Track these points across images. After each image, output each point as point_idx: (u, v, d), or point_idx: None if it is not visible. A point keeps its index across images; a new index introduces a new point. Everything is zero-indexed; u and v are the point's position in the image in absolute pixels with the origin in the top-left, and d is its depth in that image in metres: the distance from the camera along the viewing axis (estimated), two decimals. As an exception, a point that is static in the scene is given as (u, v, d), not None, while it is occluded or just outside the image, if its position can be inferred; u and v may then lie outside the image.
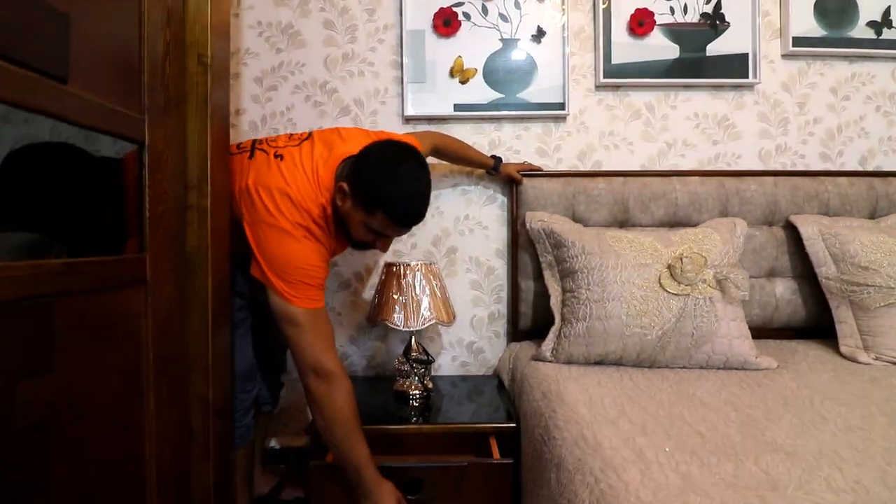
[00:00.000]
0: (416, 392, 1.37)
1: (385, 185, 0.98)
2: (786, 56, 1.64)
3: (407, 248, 1.63)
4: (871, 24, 1.62)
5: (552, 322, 1.37)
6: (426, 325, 1.31)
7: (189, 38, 0.80)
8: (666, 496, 0.64)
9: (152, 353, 0.73)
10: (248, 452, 1.21)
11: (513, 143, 1.64)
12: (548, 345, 1.32)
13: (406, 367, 1.38)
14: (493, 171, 1.55)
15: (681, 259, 1.26)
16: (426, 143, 1.38)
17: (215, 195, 0.84)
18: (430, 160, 1.48)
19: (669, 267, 1.27)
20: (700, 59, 1.62)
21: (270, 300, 0.99)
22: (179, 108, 0.79)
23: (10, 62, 0.48)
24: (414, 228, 1.60)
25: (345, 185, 1.00)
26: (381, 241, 1.09)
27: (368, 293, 1.63)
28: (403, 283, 1.33)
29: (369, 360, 1.65)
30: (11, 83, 0.48)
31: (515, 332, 1.60)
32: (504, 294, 1.65)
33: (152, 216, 0.74)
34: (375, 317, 1.34)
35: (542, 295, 1.53)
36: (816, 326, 1.55)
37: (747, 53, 1.61)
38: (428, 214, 1.60)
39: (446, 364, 1.66)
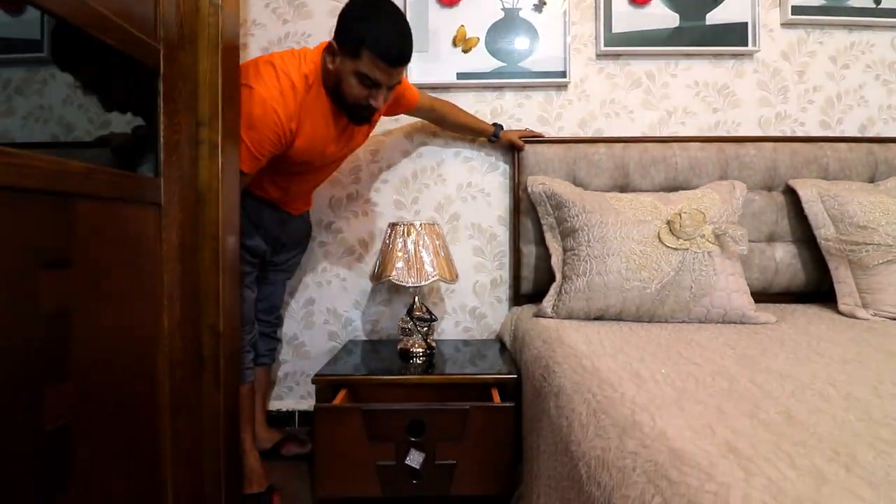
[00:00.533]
0: (420, 350, 1.39)
1: (366, 23, 1.04)
2: (785, 24, 1.66)
3: (410, 214, 1.66)
4: (870, -9, 1.64)
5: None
6: (429, 281, 1.33)
7: (201, -23, 0.83)
8: (661, 403, 0.66)
9: (166, 275, 0.76)
10: (249, 394, 1.26)
11: (514, 112, 1.66)
12: (549, 301, 1.34)
13: (409, 326, 1.41)
14: (494, 137, 1.57)
15: (680, 215, 1.28)
16: (425, 98, 1.43)
17: (226, 132, 0.87)
18: (431, 135, 1.55)
19: (668, 223, 1.29)
20: (700, 28, 1.64)
21: None
22: (192, 46, 0.82)
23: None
24: (417, 195, 1.65)
25: (332, 42, 1.08)
26: (374, 93, 1.10)
27: (372, 259, 1.65)
28: (407, 240, 1.36)
29: (373, 324, 1.68)
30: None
31: (517, 297, 1.62)
32: (506, 260, 1.68)
33: (166, 144, 0.77)
34: (380, 274, 1.37)
35: (544, 259, 1.55)
36: (816, 291, 1.57)
37: (747, 22, 1.63)
38: (431, 181, 1.65)
39: (449, 329, 1.69)
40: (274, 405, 1.65)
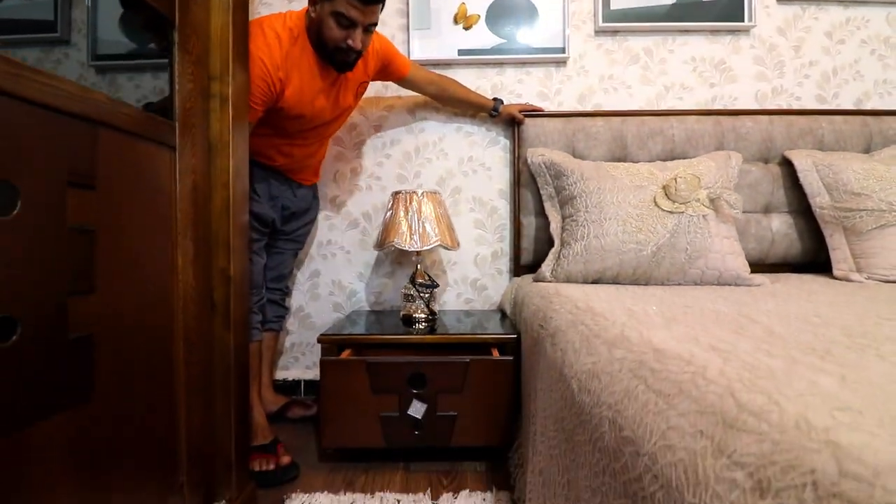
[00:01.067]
0: (422, 315, 1.43)
1: None
2: (781, 0, 1.69)
3: (413, 188, 1.70)
4: (865, -33, 1.66)
5: (553, 251, 1.43)
6: (431, 245, 1.37)
7: (212, -64, 0.87)
8: (649, 328, 0.69)
9: (180, 214, 0.80)
10: (256, 353, 1.31)
11: (515, 87, 1.70)
12: (547, 265, 1.38)
13: (412, 293, 1.44)
14: (495, 112, 1.61)
15: (675, 179, 1.31)
16: (422, 73, 1.50)
17: (236, 86, 0.91)
18: (434, 110, 1.59)
19: (664, 187, 1.32)
20: (697, 4, 1.67)
21: None
22: (204, 2, 0.87)
23: None
24: (419, 169, 1.69)
25: None
26: (352, 33, 1.17)
27: (375, 232, 1.69)
28: (410, 208, 1.39)
29: (377, 296, 1.72)
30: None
31: (517, 268, 1.66)
32: (506, 233, 1.71)
33: (181, 92, 0.81)
34: (383, 241, 1.41)
35: (543, 230, 1.59)
36: (812, 262, 1.59)
37: (743, -2, 1.66)
38: (433, 155, 1.69)
39: (451, 300, 1.72)
40: (280, 375, 1.69)
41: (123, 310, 0.67)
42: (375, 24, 1.22)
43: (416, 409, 1.14)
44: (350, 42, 1.17)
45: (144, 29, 0.88)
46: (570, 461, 0.63)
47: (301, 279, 1.71)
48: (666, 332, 0.63)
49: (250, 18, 1.66)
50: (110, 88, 0.98)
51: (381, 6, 1.19)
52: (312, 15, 1.18)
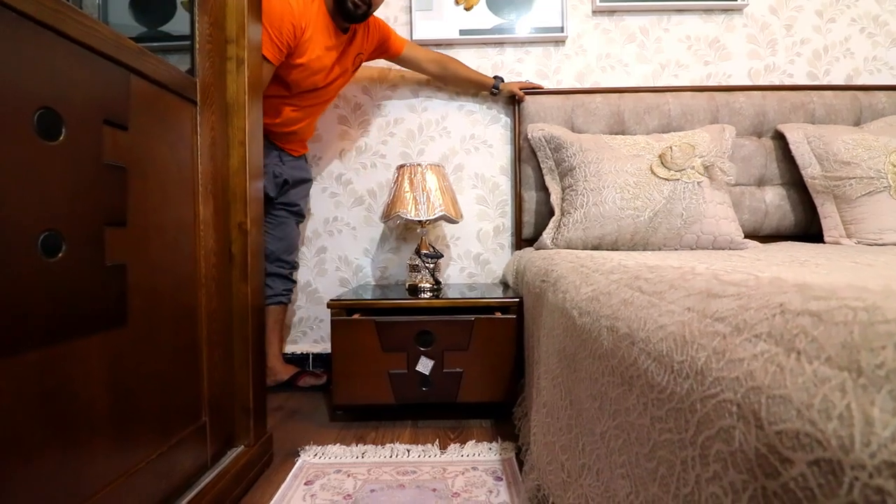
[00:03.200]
0: (427, 285, 1.47)
1: None
2: (773, -20, 1.73)
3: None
4: (854, -53, 1.71)
5: (553, 222, 1.48)
6: (436, 215, 1.41)
7: None
8: (642, 260, 0.74)
9: (201, 167, 0.84)
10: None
11: (515, 66, 1.75)
12: (548, 234, 1.42)
13: (417, 263, 1.49)
14: (496, 90, 1.66)
15: (671, 147, 1.36)
16: (420, 52, 1.58)
17: (251, 49, 0.95)
18: (436, 89, 1.64)
19: (660, 156, 1.36)
20: (691, -16, 1.71)
21: None
22: (220, -32, 0.92)
23: None
24: (423, 147, 1.73)
25: None
26: None
27: (380, 209, 1.74)
28: (414, 179, 1.44)
29: (382, 271, 1.76)
30: None
31: (519, 242, 1.70)
32: (508, 208, 1.76)
33: (201, 51, 0.85)
34: (389, 212, 1.45)
35: (544, 203, 1.63)
36: (805, 234, 1.64)
37: (736, -23, 1.71)
38: (436, 133, 1.74)
39: (455, 274, 1.77)
40: (289, 348, 1.74)
41: (152, 247, 0.71)
42: None
43: (424, 366, 1.18)
44: None
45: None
46: (571, 382, 0.68)
47: (308, 255, 1.76)
48: (659, 261, 0.68)
49: None
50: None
51: None
52: None
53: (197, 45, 0.84)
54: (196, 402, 0.84)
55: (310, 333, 1.76)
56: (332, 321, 1.20)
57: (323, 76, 1.37)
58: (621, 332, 0.52)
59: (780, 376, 0.30)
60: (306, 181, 1.61)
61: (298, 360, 1.73)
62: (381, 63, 1.65)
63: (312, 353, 1.73)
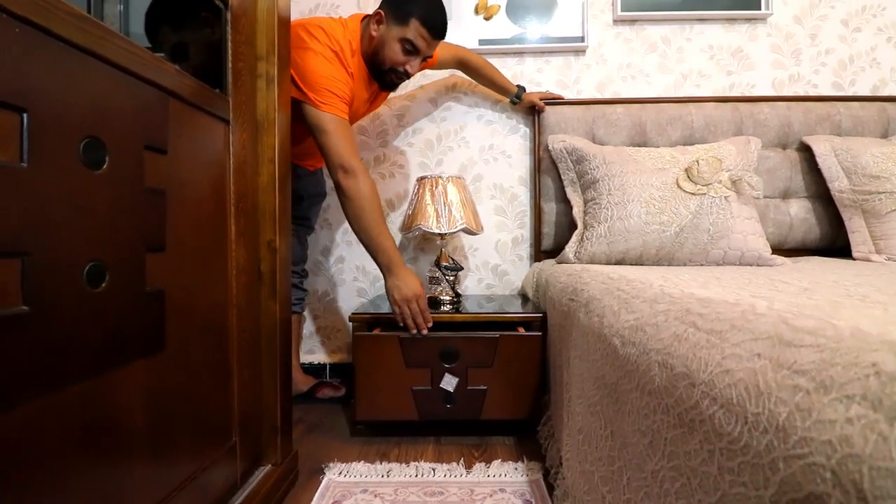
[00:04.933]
0: (447, 298, 1.46)
1: None
2: (797, -11, 1.71)
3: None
4: (881, -45, 1.68)
5: (575, 237, 1.46)
6: (457, 228, 1.40)
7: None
8: (685, 286, 0.72)
9: (233, 185, 0.84)
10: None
11: (534, 76, 1.73)
12: (571, 247, 1.41)
13: (437, 275, 1.48)
14: (516, 99, 1.64)
15: (697, 161, 1.34)
16: (449, 50, 1.54)
17: (281, 67, 0.95)
18: (455, 99, 1.64)
19: (687, 170, 1.35)
20: (714, -7, 1.69)
21: (306, 115, 1.16)
22: (250, -14, 0.91)
23: None
24: (441, 157, 1.72)
25: (379, 11, 1.22)
26: (411, 60, 1.25)
27: (399, 219, 1.73)
28: (435, 192, 1.43)
29: (400, 282, 1.75)
30: None
31: (538, 253, 1.69)
32: (527, 219, 1.74)
33: (234, 70, 0.85)
34: (410, 224, 1.44)
35: (564, 215, 1.62)
36: (830, 247, 1.61)
37: (760, -14, 1.68)
38: (454, 143, 1.73)
39: (472, 285, 1.75)
40: (306, 358, 1.73)
41: (187, 270, 0.70)
42: (432, 56, 1.31)
43: (448, 383, 1.17)
44: (408, 67, 1.25)
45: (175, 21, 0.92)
46: (613, 412, 0.67)
47: (326, 265, 1.75)
48: (705, 290, 0.66)
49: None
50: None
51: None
52: (374, 33, 1.23)
53: (229, 64, 0.83)
54: (227, 423, 0.83)
55: (327, 343, 1.75)
56: (354, 336, 1.19)
57: (354, 119, 1.39)
58: (677, 371, 0.50)
59: (884, 447, 0.28)
60: (321, 196, 1.61)
61: (316, 370, 1.72)
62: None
63: (330, 363, 1.73)
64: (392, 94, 1.71)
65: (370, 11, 1.70)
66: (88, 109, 0.53)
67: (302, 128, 1.34)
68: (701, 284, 0.75)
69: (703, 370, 0.47)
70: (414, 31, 1.20)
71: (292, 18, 1.72)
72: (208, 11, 0.84)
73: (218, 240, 0.80)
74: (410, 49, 1.23)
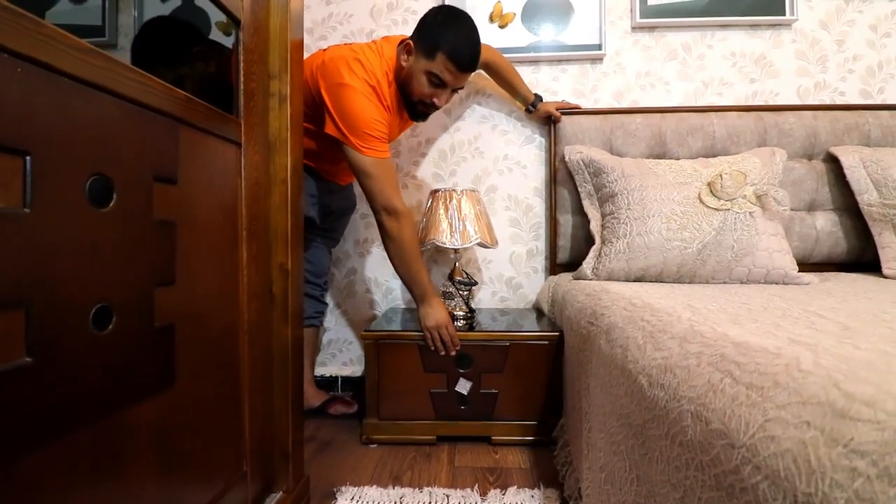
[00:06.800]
0: (461, 313, 1.43)
1: (446, 29, 1.18)
2: (824, -7, 1.65)
3: (448, 186, 1.70)
4: (914, -42, 1.62)
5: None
6: (472, 243, 1.38)
7: (272, -60, 0.89)
8: (715, 323, 0.69)
9: (245, 209, 0.82)
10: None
11: (550, 85, 1.70)
12: (588, 263, 1.37)
13: (451, 290, 1.45)
14: (532, 107, 1.61)
15: (721, 175, 1.30)
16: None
17: (294, 86, 0.92)
18: (469, 109, 1.61)
19: (709, 184, 1.30)
20: (737, -1, 1.64)
21: (347, 156, 1.20)
22: (263, 5, 0.89)
23: None
24: (455, 167, 1.70)
25: (409, 42, 1.22)
26: (439, 93, 1.23)
27: (412, 230, 1.70)
28: (450, 206, 1.40)
29: (412, 294, 1.73)
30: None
31: (553, 267, 1.65)
32: (542, 231, 1.71)
33: (245, 91, 0.83)
34: (424, 238, 1.42)
35: (580, 228, 1.58)
36: (857, 261, 1.55)
37: (785, -9, 1.63)
38: (468, 154, 1.70)
39: (486, 298, 1.72)
40: (318, 371, 1.72)
41: (198, 300, 0.69)
42: (462, 88, 1.29)
43: (463, 386, 1.25)
44: (436, 100, 1.24)
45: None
46: (639, 456, 0.63)
47: (338, 277, 1.73)
48: (738, 327, 0.63)
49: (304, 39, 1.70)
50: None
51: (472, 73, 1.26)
52: (404, 64, 1.23)
53: (241, 86, 0.82)
54: (238, 452, 0.81)
55: (339, 356, 1.74)
56: (376, 342, 1.26)
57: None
58: (713, 427, 0.47)
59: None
60: (351, 209, 1.62)
61: (328, 382, 1.71)
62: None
63: (342, 376, 1.71)
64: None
65: (384, 20, 1.70)
66: (95, 145, 0.51)
67: (341, 154, 1.32)
68: (732, 318, 0.71)
69: (743, 431, 0.43)
70: (441, 65, 1.19)
71: (304, 28, 1.72)
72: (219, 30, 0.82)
73: (229, 266, 0.78)
74: (437, 83, 1.21)
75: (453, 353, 1.25)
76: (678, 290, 1.12)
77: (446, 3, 1.35)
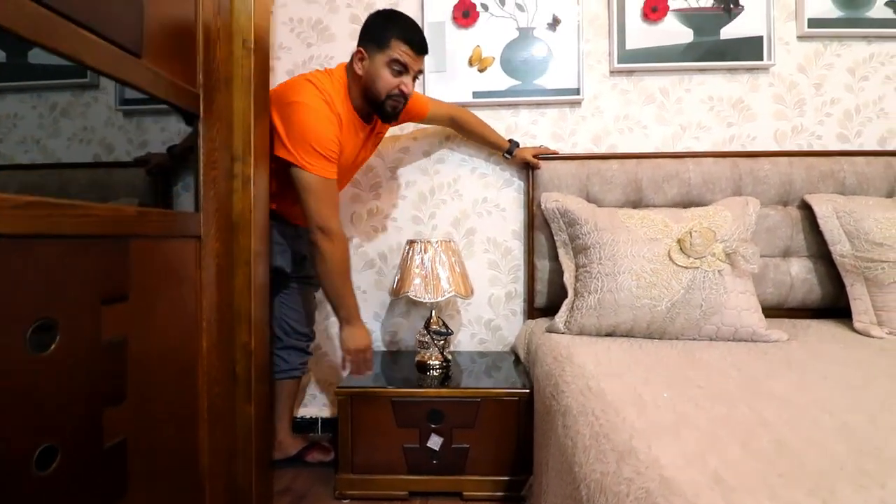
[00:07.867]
0: (436, 362, 1.45)
1: (390, 22, 1.24)
2: (801, 38, 1.66)
3: (428, 229, 1.72)
4: (890, 3, 1.62)
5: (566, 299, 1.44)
6: (445, 297, 1.39)
7: (235, 26, 0.90)
8: (658, 428, 0.70)
9: (205, 300, 0.83)
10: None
11: (529, 128, 1.71)
12: (561, 317, 1.38)
13: (427, 339, 1.47)
14: (508, 154, 1.62)
15: (690, 233, 1.31)
16: (442, 107, 1.55)
17: (257, 166, 0.94)
18: (449, 151, 1.62)
19: (679, 241, 1.31)
20: (714, 43, 1.65)
21: (292, 174, 1.19)
22: (227, 87, 0.90)
23: (99, 37, 0.58)
24: (434, 210, 1.71)
25: (359, 49, 1.25)
26: (404, 79, 1.26)
27: (391, 272, 1.72)
28: (424, 257, 1.42)
29: (392, 336, 1.74)
30: (100, 55, 0.58)
31: (531, 310, 1.67)
32: (521, 273, 1.72)
33: (206, 180, 0.84)
34: (399, 289, 1.43)
35: (557, 273, 1.59)
36: (832, 307, 1.56)
37: (762, 36, 1.63)
38: (448, 196, 1.71)
39: (465, 340, 1.74)
40: (299, 412, 1.73)
41: (153, 411, 0.70)
42: (422, 72, 1.33)
43: (434, 442, 1.27)
44: (403, 87, 1.26)
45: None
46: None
47: (318, 318, 1.74)
48: (675, 446, 0.64)
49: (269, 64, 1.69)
50: (137, 132, 1.03)
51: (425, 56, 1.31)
52: (359, 72, 1.26)
53: (201, 178, 0.83)
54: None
55: (319, 397, 1.76)
56: (349, 396, 1.29)
57: (346, 168, 1.38)
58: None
59: None
60: None
61: (307, 424, 1.73)
62: (393, 129, 1.63)
63: (322, 418, 1.73)
64: (385, 146, 1.70)
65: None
66: (37, 289, 0.53)
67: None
68: (675, 421, 0.72)
69: None
70: (397, 49, 1.22)
71: (286, 70, 1.73)
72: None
73: (187, 360, 0.79)
74: (399, 69, 1.24)
75: (364, 375, 1.35)
76: (644, 354, 1.13)
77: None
